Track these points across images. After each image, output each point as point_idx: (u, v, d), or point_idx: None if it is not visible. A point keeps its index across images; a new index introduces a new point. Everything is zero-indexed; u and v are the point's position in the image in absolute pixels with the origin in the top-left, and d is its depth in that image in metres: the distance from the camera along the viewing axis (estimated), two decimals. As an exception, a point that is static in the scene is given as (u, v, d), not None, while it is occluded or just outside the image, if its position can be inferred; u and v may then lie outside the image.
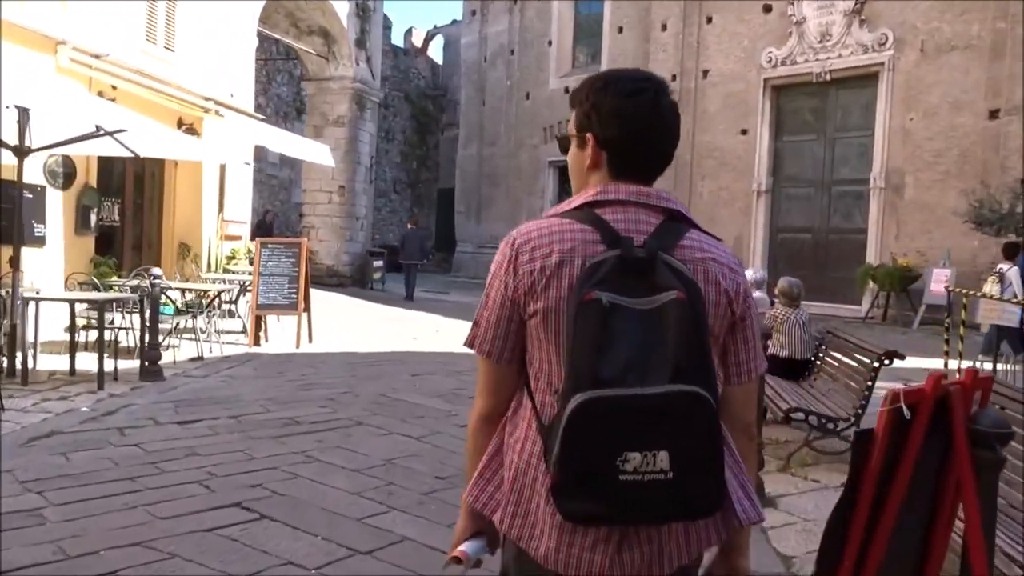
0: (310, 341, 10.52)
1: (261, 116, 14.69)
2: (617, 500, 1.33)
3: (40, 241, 9.75)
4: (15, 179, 7.53)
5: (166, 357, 8.73)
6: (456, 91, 30.60)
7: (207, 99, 12.76)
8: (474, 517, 1.64)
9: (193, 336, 9.25)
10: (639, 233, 1.48)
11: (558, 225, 1.51)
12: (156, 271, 7.54)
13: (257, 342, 10.14)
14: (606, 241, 1.46)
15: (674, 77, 21.61)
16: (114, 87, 10.83)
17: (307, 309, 10.47)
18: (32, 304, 7.86)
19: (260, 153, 24.83)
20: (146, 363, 7.68)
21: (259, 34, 23.43)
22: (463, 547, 1.63)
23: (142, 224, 12.31)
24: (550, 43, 25.39)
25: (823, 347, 6.97)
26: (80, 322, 8.23)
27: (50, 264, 9.88)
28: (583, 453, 1.33)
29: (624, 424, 1.31)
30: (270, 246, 10.32)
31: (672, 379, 1.32)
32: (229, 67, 14.21)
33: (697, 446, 1.34)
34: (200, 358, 9.01)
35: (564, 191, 24.05)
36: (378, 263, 19.91)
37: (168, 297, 8.84)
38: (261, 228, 22.72)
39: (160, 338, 8.97)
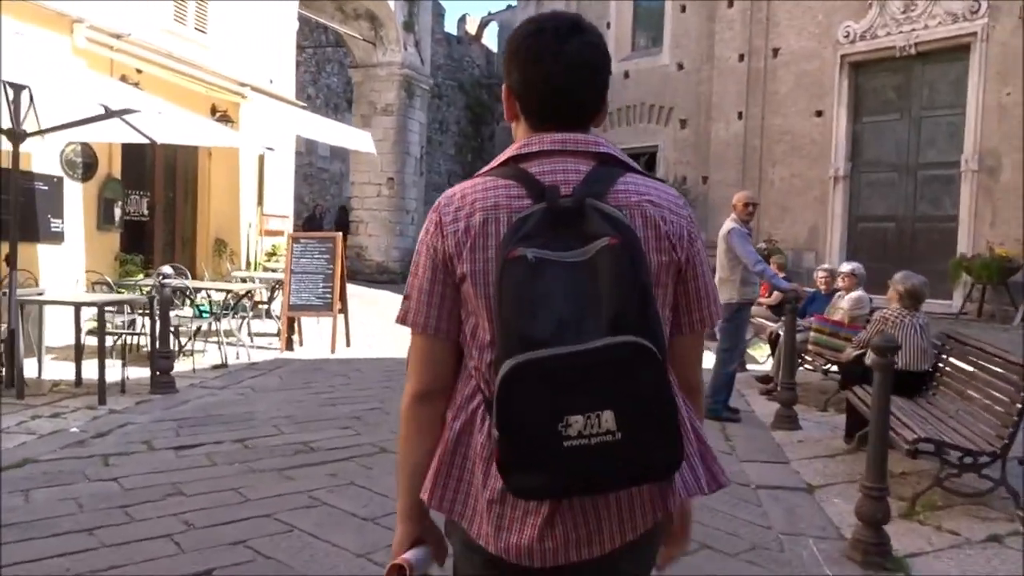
0: (347, 345, 9.63)
1: (302, 103, 13.88)
2: (566, 468, 1.22)
3: (57, 237, 9.03)
4: (16, 167, 6.70)
5: (185, 364, 7.93)
6: (511, 79, 29.51)
7: (243, 85, 11.95)
8: (415, 521, 1.50)
9: (218, 340, 8.41)
10: (567, 183, 1.37)
11: (481, 184, 1.42)
12: (166, 270, 6.71)
13: (290, 346, 9.27)
14: (532, 195, 1.37)
15: (741, 57, 20.27)
16: (139, 71, 10.07)
17: (344, 310, 9.58)
18: (36, 307, 7.10)
19: (310, 146, 24.23)
20: (157, 373, 6.85)
21: (305, 21, 22.81)
22: (407, 555, 1.46)
23: (174, 219, 11.58)
24: (608, 25, 24.13)
25: (943, 355, 5.76)
26: (88, 326, 7.43)
27: (69, 262, 9.16)
28: (521, 422, 1.22)
29: (561, 386, 1.20)
30: (302, 241, 9.44)
31: (611, 331, 1.21)
32: (268, 51, 13.41)
33: (644, 401, 1.23)
34: (223, 365, 8.17)
35: (624, 181, 22.86)
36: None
37: (189, 298, 8.02)
38: (311, 223, 22.11)
39: (183, 342, 8.19)
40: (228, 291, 8.43)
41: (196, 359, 8.33)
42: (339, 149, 21.20)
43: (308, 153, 23.75)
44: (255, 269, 12.48)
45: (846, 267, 7.09)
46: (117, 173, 9.98)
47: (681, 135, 22.15)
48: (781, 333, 7.54)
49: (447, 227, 1.40)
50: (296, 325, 9.60)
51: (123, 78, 9.89)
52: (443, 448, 1.42)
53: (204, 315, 8.68)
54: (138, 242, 10.73)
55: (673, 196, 1.45)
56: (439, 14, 29.22)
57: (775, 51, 19.99)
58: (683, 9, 22.20)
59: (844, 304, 6.91)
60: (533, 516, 1.33)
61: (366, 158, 18.32)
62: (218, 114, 11.77)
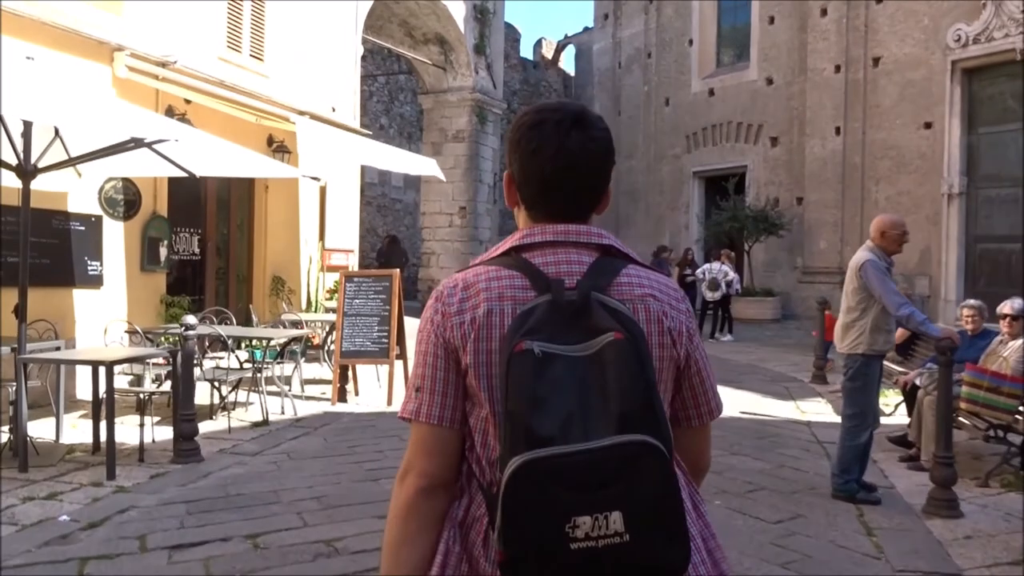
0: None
1: (366, 131, 13.11)
2: (572, 572, 1.16)
3: (95, 281, 8.35)
4: (27, 205, 5.94)
5: (221, 423, 7.05)
6: (590, 103, 28.54)
7: (301, 113, 11.21)
8: None
9: (259, 391, 7.52)
10: (571, 274, 1.36)
11: (484, 273, 1.39)
12: (190, 319, 5.81)
13: (343, 397, 8.33)
14: (536, 286, 1.34)
15: (838, 68, 18.77)
16: (187, 101, 9.40)
17: (402, 356, 8.59)
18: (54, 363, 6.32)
19: (383, 176, 23.66)
20: (179, 439, 5.95)
21: (375, 48, 22.35)
22: None
23: (228, 256, 10.87)
24: (691, 42, 22.95)
25: None
26: (119, 381, 6.62)
27: (109, 307, 8.46)
28: (527, 523, 1.16)
29: (568, 486, 1.15)
30: (356, 280, 8.52)
31: (618, 428, 1.18)
32: (330, 78, 12.72)
33: (653, 501, 1.18)
34: (264, 423, 7.25)
35: (711, 204, 21.52)
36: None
37: (228, 346, 7.14)
38: (385, 255, 21.39)
39: (225, 392, 7.33)
40: (267, 339, 7.50)
41: (236, 415, 7.45)
42: (413, 179, 20.53)
43: (381, 184, 23.18)
44: (315, 309, 11.67)
45: (1012, 306, 5.69)
46: (163, 210, 9.29)
47: (772, 154, 20.68)
48: (919, 384, 6.18)
49: (451, 318, 1.37)
50: (351, 373, 8.66)
51: (170, 109, 9.25)
52: (444, 547, 1.36)
53: (257, 358, 7.84)
54: (187, 283, 10.03)
55: (673, 290, 1.45)
56: (514, 39, 28.50)
57: (875, 60, 18.42)
58: (771, 21, 20.82)
59: (1010, 352, 5.52)
60: None
61: (437, 187, 17.52)
62: (275, 144, 11.06)
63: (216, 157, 7.13)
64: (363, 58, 23.12)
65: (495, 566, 1.26)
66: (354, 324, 8.34)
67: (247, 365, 7.67)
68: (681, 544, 1.22)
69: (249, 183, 11.10)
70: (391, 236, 21.63)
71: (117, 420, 5.80)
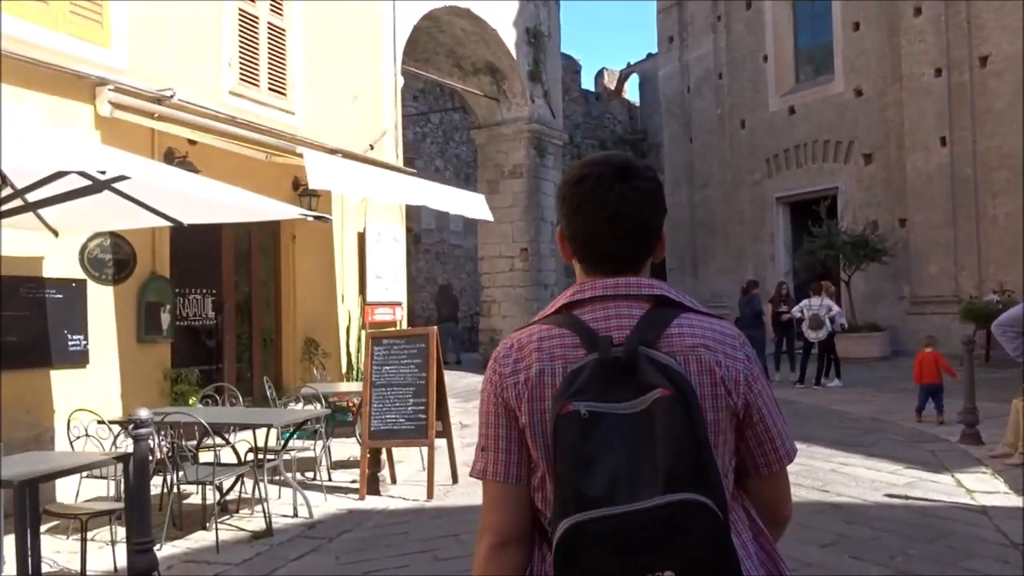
0: (454, 482, 6.98)
1: (411, 170, 11.69)
2: None
3: (79, 359, 6.99)
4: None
5: (209, 537, 5.51)
6: (658, 132, 26.93)
7: (333, 152, 9.82)
8: None
9: (262, 499, 5.97)
10: (621, 329, 1.37)
11: (537, 333, 1.43)
12: (142, 413, 4.28)
13: (374, 488, 6.72)
14: (585, 344, 1.36)
15: (939, 72, 16.71)
16: (192, 142, 8.09)
17: (446, 433, 6.97)
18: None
19: (440, 222, 22.35)
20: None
21: (428, 87, 21.23)
22: None
23: (251, 318, 9.47)
24: (765, 58, 21.14)
25: None
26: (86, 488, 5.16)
27: (99, 388, 7.10)
28: None
29: (618, 548, 1.18)
30: (386, 343, 6.94)
31: (667, 488, 1.19)
32: (366, 113, 11.38)
33: (705, 560, 1.19)
34: (266, 532, 5.67)
35: (799, 232, 19.50)
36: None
37: (214, 431, 5.62)
38: (436, 306, 19.99)
39: (221, 492, 5.82)
40: (268, 425, 5.88)
41: (237, 521, 5.91)
42: (472, 222, 19.11)
43: (439, 230, 21.88)
44: (356, 374, 10.16)
45: None
46: (164, 269, 7.93)
47: (867, 172, 18.56)
48: None
49: (507, 379, 1.41)
50: (386, 457, 7.07)
51: (169, 152, 7.95)
52: None
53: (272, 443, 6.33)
54: (200, 352, 8.63)
55: (730, 337, 1.41)
56: (574, 71, 27.14)
57: (983, 60, 16.29)
58: (856, 27, 18.86)
59: None
60: None
61: (495, 228, 16.01)
62: (301, 188, 9.69)
63: (202, 201, 5.69)
64: (415, 97, 22.09)
65: None
66: (384, 397, 6.77)
67: (252, 455, 6.14)
68: None
69: (273, 233, 9.74)
70: (442, 285, 20.26)
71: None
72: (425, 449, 7.40)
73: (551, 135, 16.58)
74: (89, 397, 6.87)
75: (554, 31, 16.68)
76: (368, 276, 11.03)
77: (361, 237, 11.05)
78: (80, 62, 7.19)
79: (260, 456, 5.93)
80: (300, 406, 7.26)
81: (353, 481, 7.08)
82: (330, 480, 7.26)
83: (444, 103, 21.45)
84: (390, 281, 11.60)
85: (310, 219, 5.61)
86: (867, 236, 16.83)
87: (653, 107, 27.56)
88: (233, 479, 5.90)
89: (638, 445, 1.22)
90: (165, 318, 7.83)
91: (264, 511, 5.79)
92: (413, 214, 21.31)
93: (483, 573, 1.39)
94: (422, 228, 21.79)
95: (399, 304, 11.89)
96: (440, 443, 7.01)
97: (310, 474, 7.35)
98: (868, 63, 18.63)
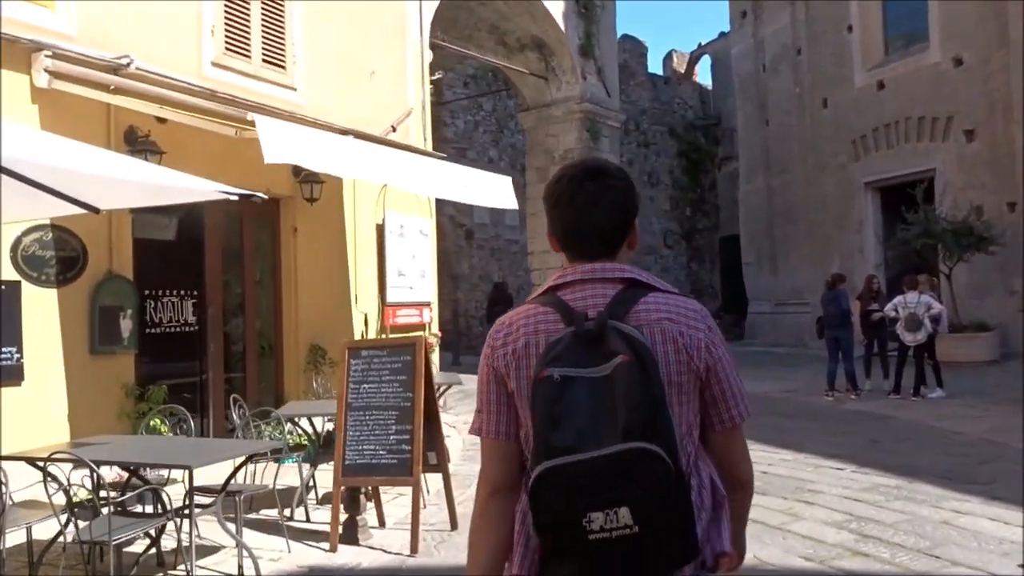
0: (452, 528, 5.58)
1: (440, 155, 10.34)
2: (593, 558, 1.43)
3: (11, 376, 5.88)
4: None
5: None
6: (732, 116, 25.02)
7: (344, 133, 8.55)
8: None
9: (188, 563, 4.68)
10: (595, 307, 1.59)
11: (525, 312, 1.67)
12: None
13: (351, 537, 5.38)
14: (564, 320, 1.58)
15: (1055, 33, 14.48)
16: (161, 120, 6.92)
17: (441, 467, 5.59)
18: None
19: (495, 216, 21.00)
20: None
21: (480, 72, 19.90)
22: None
23: (245, 324, 8.28)
24: (850, 29, 19.08)
25: None
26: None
27: (38, 410, 5.99)
28: (551, 519, 1.44)
29: (581, 488, 1.40)
30: (364, 355, 5.58)
31: (624, 439, 1.40)
32: (389, 91, 10.11)
33: (656, 499, 1.40)
34: (189, 605, 4.39)
35: (890, 219, 17.48)
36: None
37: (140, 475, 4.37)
38: (500, 305, 18.62)
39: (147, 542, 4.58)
40: (185, 467, 4.53)
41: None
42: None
43: (494, 224, 20.55)
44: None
45: None
46: (125, 267, 6.79)
47: (969, 150, 16.38)
48: None
49: (498, 350, 1.66)
50: (371, 497, 5.73)
51: (131, 131, 6.80)
52: (517, 537, 1.63)
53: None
54: (178, 363, 7.47)
55: (692, 311, 1.64)
56: (641, 53, 25.44)
57: (1112, 14, 14.08)
58: (955, -13, 16.72)
59: None
60: None
61: (545, 220, 14.57)
62: (302, 175, 8.47)
63: (118, 183, 4.46)
64: (465, 84, 20.81)
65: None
66: (362, 423, 5.42)
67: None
68: (685, 537, 1.46)
69: (269, 226, 8.55)
70: (496, 283, 18.91)
71: None
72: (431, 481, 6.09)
73: (606, 116, 15.01)
74: (23, 421, 5.75)
75: (608, 4, 15.11)
76: (388, 274, 9.75)
77: (380, 230, 9.78)
78: (17, 25, 6.09)
79: (187, 503, 4.63)
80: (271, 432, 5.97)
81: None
82: (308, 521, 5.96)
83: (496, 86, 20.09)
84: (416, 279, 10.30)
85: (234, 199, 4.28)
86: (971, 222, 14.75)
87: (726, 90, 25.65)
88: (151, 533, 4.62)
89: (602, 403, 1.45)
90: (126, 325, 6.68)
91: (188, 573, 4.50)
92: (465, 208, 20.04)
93: (479, 518, 1.69)
94: (475, 223, 20.48)
95: (427, 305, 10.58)
96: (434, 477, 5.63)
97: (290, 511, 6.08)
98: (968, 28, 16.44)
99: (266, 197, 4.55)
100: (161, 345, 7.26)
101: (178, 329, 7.41)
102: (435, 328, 10.81)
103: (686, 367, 1.58)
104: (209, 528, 5.26)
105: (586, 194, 1.65)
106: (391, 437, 5.33)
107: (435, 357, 10.70)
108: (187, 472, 4.40)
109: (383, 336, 9.69)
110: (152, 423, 6.23)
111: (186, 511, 4.55)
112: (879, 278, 14.09)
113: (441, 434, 5.62)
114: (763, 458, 7.52)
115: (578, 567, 1.45)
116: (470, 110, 20.13)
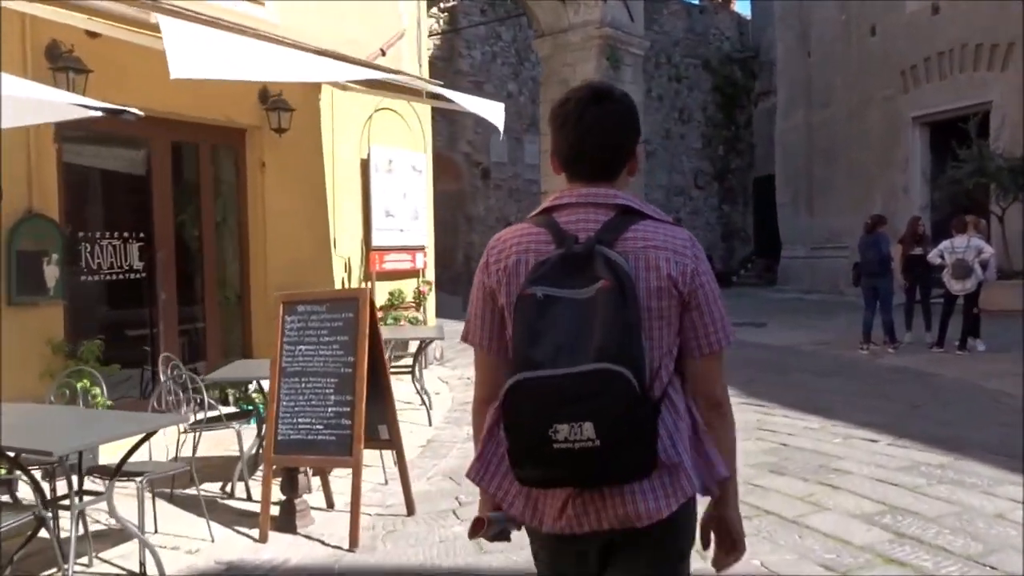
0: (409, 512, 4.74)
1: (437, 82, 9.27)
2: (555, 465, 1.54)
3: (-98, 328, 5.10)
4: None
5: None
6: (771, 48, 23.46)
7: (321, 53, 7.53)
8: (490, 496, 1.80)
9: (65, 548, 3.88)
10: (587, 231, 1.65)
11: (519, 231, 1.75)
12: None
13: (287, 525, 4.56)
14: (555, 241, 1.66)
15: None
16: (93, 34, 5.97)
17: (394, 443, 4.73)
18: None
19: (513, 155, 19.91)
20: None
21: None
22: (488, 514, 1.77)
23: (203, 270, 7.42)
24: (898, -52, 17.42)
25: None
26: None
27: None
28: (520, 426, 1.56)
29: (550, 400, 1.50)
30: (301, 310, 4.67)
31: (596, 359, 1.49)
32: (374, 11, 9.04)
33: (619, 417, 1.49)
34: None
35: (939, 158, 16.12)
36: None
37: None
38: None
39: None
40: (48, 462, 3.62)
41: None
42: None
43: (512, 163, 19.47)
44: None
45: None
46: (48, 206, 5.92)
47: (1033, 80, 14.93)
48: None
49: (492, 266, 1.74)
50: (315, 477, 4.90)
51: (53, 47, 5.88)
52: (484, 436, 1.77)
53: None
54: (122, 315, 6.67)
55: (680, 240, 1.69)
56: (674, -21, 23.83)
57: None
58: None
59: None
60: (552, 499, 1.67)
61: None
62: (271, 99, 7.53)
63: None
64: (482, 11, 19.55)
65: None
66: (297, 392, 4.55)
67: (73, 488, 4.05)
68: (643, 453, 1.55)
69: (232, 159, 7.65)
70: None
71: None
72: (389, 454, 5.24)
73: (628, 42, 13.75)
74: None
75: (633, -85, 13.74)
76: (373, 215, 8.82)
77: (365, 166, 8.84)
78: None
79: (65, 493, 3.81)
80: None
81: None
82: (248, 499, 5.16)
83: (518, 13, 18.79)
84: (407, 220, 9.36)
85: (96, 114, 3.35)
86: (1034, 163, 13.42)
87: (766, 20, 24.02)
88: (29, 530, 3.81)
89: (579, 324, 1.53)
90: (51, 272, 5.85)
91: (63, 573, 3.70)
92: (482, 145, 18.96)
93: (475, 415, 1.84)
94: (492, 161, 19.39)
95: (420, 249, 9.66)
96: (382, 456, 4.77)
97: (231, 487, 5.29)
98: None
99: (140, 115, 3.59)
100: (100, 294, 6.46)
101: (121, 276, 6.57)
102: (430, 275, 9.91)
103: (667, 294, 1.65)
104: (127, 510, 4.47)
105: (590, 117, 1.69)
106: (329, 409, 4.46)
107: (430, 306, 9.82)
108: (76, 455, 3.57)
109: (366, 285, 8.82)
110: (81, 384, 5.43)
111: (64, 501, 3.75)
112: (924, 222, 12.85)
113: (393, 405, 4.73)
114: (785, 426, 6.57)
115: (543, 472, 1.58)
116: (488, 40, 18.90)
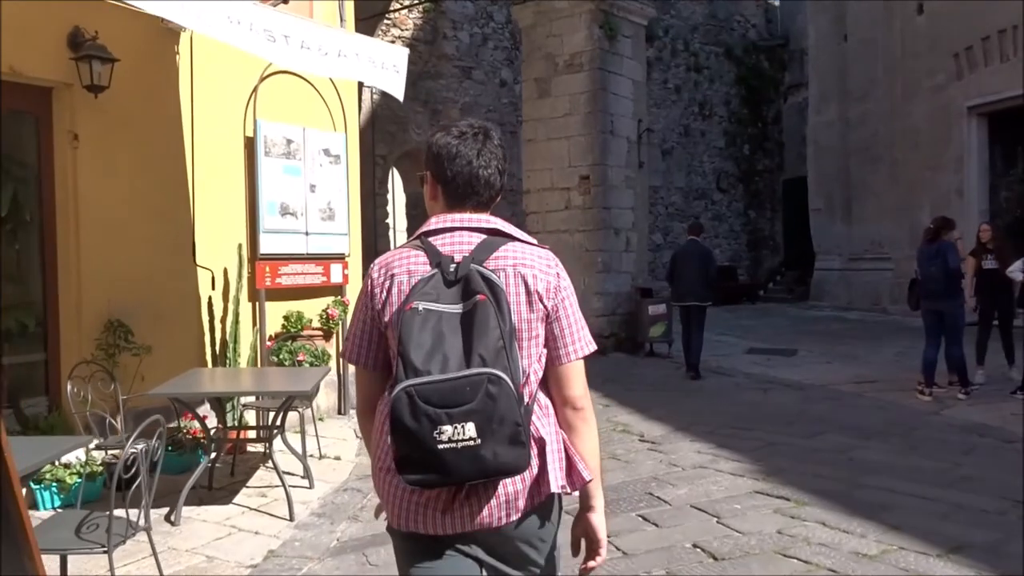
0: None
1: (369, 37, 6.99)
2: (441, 464, 1.65)
3: None
4: None
5: None
6: (801, 36, 21.05)
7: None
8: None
9: None
10: (461, 251, 1.82)
11: (399, 254, 1.88)
12: None
13: None
14: (432, 262, 1.81)
15: None
16: None
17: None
18: None
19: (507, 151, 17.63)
20: None
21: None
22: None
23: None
24: None
25: None
26: None
27: None
28: (406, 430, 1.64)
29: (435, 404, 1.63)
30: None
31: (477, 365, 1.65)
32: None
33: (498, 417, 1.65)
34: None
35: (1005, 154, 13.66)
36: (657, 308, 11.17)
37: None
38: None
39: None
40: None
41: None
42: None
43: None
44: (231, 404, 5.74)
45: None
46: None
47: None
48: None
49: (374, 288, 1.85)
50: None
51: None
52: (379, 436, 1.85)
53: None
54: None
55: (545, 259, 1.87)
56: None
57: None
58: None
59: None
60: (435, 501, 1.78)
61: (543, 149, 11.25)
62: (86, 40, 5.32)
63: None
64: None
65: (389, 463, 1.78)
66: None
67: None
68: (520, 449, 1.69)
69: (34, 129, 5.43)
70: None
71: None
72: None
73: (627, 9, 11.37)
74: None
75: None
76: (261, 212, 6.58)
77: (250, 146, 6.60)
78: None
79: None
80: None
81: None
82: None
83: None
84: (316, 221, 7.11)
85: None
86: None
87: (796, 3, 21.57)
88: None
89: (459, 335, 1.68)
90: None
91: None
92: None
93: (360, 428, 2.05)
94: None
95: (339, 259, 7.39)
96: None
97: None
98: None
99: None
100: None
101: None
102: (357, 287, 7.67)
103: (535, 307, 1.81)
104: None
105: (478, 155, 1.87)
106: None
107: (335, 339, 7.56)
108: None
109: (252, 306, 6.58)
110: None
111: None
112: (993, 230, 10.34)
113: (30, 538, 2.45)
114: (818, 540, 4.16)
115: (432, 471, 1.66)
116: (477, 20, 16.62)
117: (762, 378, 9.35)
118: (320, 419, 7.27)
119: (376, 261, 1.91)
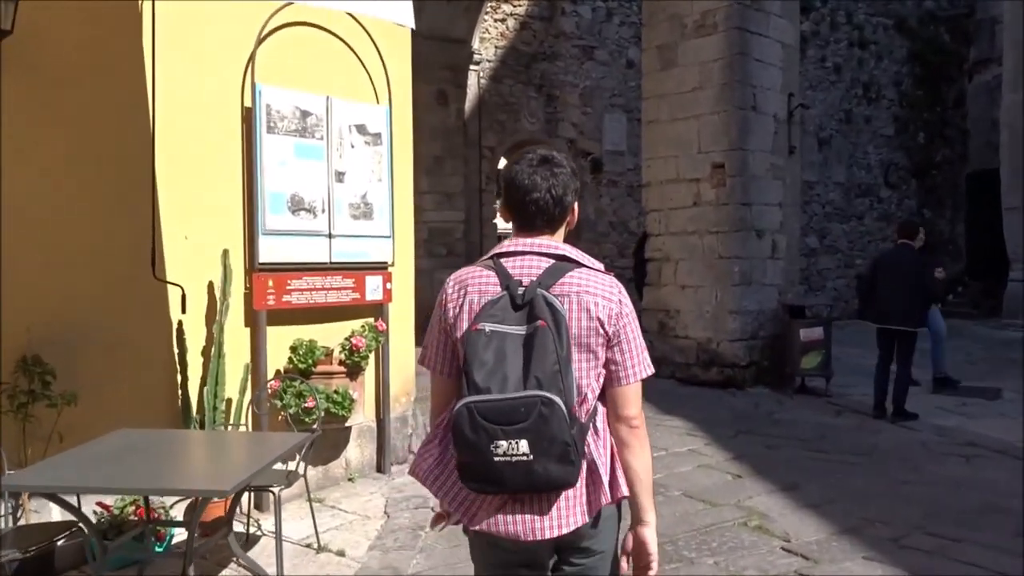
0: None
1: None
2: (495, 474, 1.83)
3: None
4: None
5: None
6: (990, 6, 17.80)
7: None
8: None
9: None
10: (530, 275, 1.97)
11: (473, 272, 2.05)
12: None
13: None
14: (502, 284, 1.97)
15: None
16: None
17: None
18: None
19: (633, 140, 15.49)
20: None
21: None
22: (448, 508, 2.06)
23: None
24: None
25: None
26: None
27: None
28: (466, 442, 1.83)
29: (492, 420, 1.80)
30: None
31: (534, 387, 1.81)
32: None
33: (549, 436, 1.80)
34: None
35: None
36: (812, 332, 8.77)
37: None
38: (635, 263, 13.36)
39: None
40: None
41: None
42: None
43: (632, 152, 15.13)
44: (208, 423, 4.13)
45: None
46: None
47: None
48: None
49: (449, 303, 2.04)
50: None
51: None
52: (439, 451, 2.06)
53: None
54: None
55: (609, 286, 2.01)
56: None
57: None
58: None
59: None
60: (488, 506, 1.96)
61: (666, 131, 9.20)
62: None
63: None
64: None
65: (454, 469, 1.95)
66: None
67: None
68: (568, 467, 1.86)
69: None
70: (642, 234, 13.50)
71: None
72: None
73: (776, -45, 9.12)
74: None
75: None
76: (261, 207, 4.93)
77: (247, 120, 4.96)
78: None
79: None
80: None
81: None
82: None
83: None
84: (345, 220, 5.40)
85: None
86: None
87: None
88: None
89: (521, 357, 1.83)
90: None
91: None
92: (591, 129, 14.77)
93: (431, 423, 2.16)
94: (605, 150, 15.11)
95: (381, 269, 5.66)
96: None
97: None
98: None
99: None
100: None
101: None
102: (406, 314, 5.93)
103: (596, 332, 1.95)
104: None
105: (536, 180, 2.03)
106: None
107: (394, 367, 5.83)
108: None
109: (252, 331, 4.95)
110: None
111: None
112: None
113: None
114: None
115: (488, 480, 1.85)
116: (598, -6, 14.68)
117: (960, 435, 6.92)
118: (350, 479, 5.59)
119: (452, 276, 2.11)
